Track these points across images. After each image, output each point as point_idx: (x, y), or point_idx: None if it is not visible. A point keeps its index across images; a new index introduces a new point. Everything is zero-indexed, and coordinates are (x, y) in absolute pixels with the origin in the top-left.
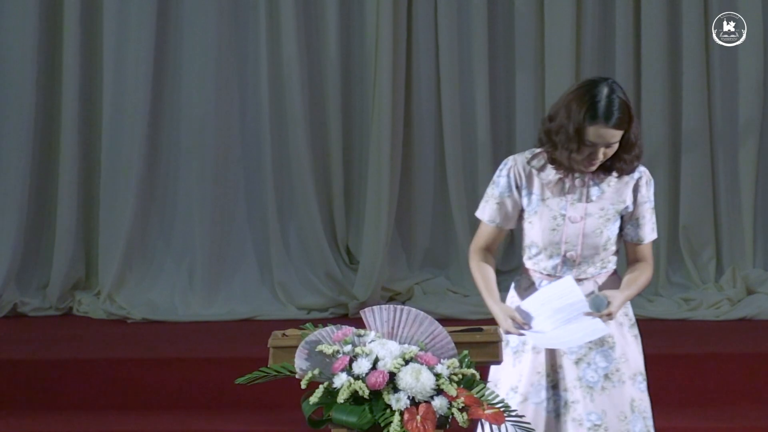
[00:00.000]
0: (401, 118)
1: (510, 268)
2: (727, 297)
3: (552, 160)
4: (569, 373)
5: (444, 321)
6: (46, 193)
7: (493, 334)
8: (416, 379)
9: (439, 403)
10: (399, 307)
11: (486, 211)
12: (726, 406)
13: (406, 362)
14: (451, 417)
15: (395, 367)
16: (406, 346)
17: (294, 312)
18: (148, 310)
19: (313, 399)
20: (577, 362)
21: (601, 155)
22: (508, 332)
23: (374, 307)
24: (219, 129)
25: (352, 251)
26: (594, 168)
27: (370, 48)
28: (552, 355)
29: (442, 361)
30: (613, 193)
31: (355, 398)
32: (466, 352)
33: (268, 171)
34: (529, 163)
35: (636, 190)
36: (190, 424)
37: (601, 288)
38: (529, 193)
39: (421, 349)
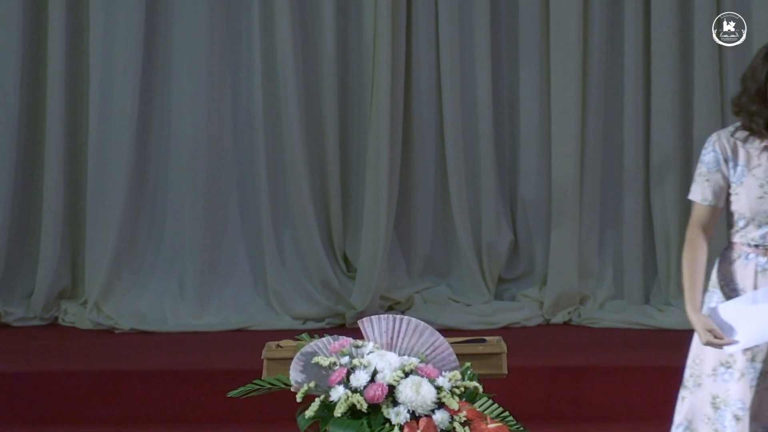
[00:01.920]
0: (400, 120)
1: (514, 276)
2: None
3: (743, 126)
4: (766, 345)
5: (445, 331)
6: (30, 199)
7: (496, 345)
8: (416, 392)
9: (440, 417)
10: (398, 317)
11: (698, 191)
12: None
13: (406, 374)
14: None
15: (394, 380)
16: (405, 357)
17: (289, 322)
18: (136, 320)
19: (309, 413)
20: None
21: None
22: (707, 344)
23: (372, 316)
24: (211, 133)
25: (350, 258)
26: None
27: (367, 47)
28: None
29: (443, 373)
30: None
31: (352, 412)
32: (468, 364)
33: (263, 175)
34: (732, 135)
35: None
36: None
37: None
38: (735, 165)
39: (421, 361)
